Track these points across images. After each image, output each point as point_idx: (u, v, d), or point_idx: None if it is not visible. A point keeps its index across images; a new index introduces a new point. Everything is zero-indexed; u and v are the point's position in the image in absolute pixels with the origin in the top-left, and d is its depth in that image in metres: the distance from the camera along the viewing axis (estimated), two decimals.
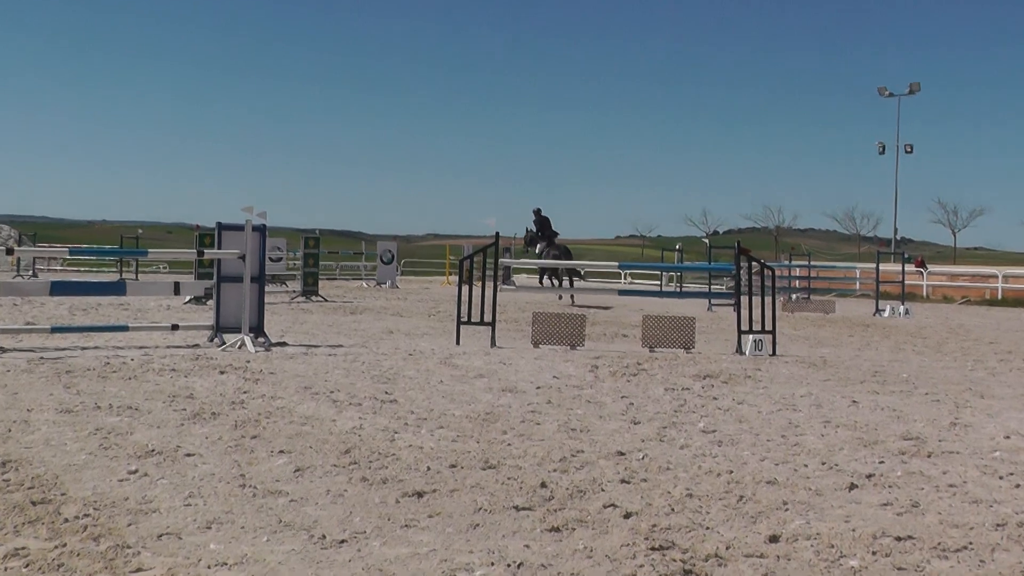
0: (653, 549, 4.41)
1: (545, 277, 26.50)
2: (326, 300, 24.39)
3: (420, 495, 5.27)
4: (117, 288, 16.23)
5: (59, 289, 14.22)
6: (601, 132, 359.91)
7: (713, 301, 25.06)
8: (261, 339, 12.76)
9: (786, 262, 35.44)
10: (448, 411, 8.01)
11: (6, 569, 4.01)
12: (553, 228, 27.21)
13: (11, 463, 5.79)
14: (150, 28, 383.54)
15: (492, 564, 4.18)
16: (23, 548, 4.25)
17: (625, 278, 47.80)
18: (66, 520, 4.67)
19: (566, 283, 26.05)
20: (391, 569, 4.11)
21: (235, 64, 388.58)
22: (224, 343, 12.55)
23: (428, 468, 5.90)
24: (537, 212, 27.24)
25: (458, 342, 13.70)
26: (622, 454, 6.46)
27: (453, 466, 5.97)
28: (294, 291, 26.29)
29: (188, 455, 6.11)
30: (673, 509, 5.12)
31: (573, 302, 25.35)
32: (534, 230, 27.30)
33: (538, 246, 27.25)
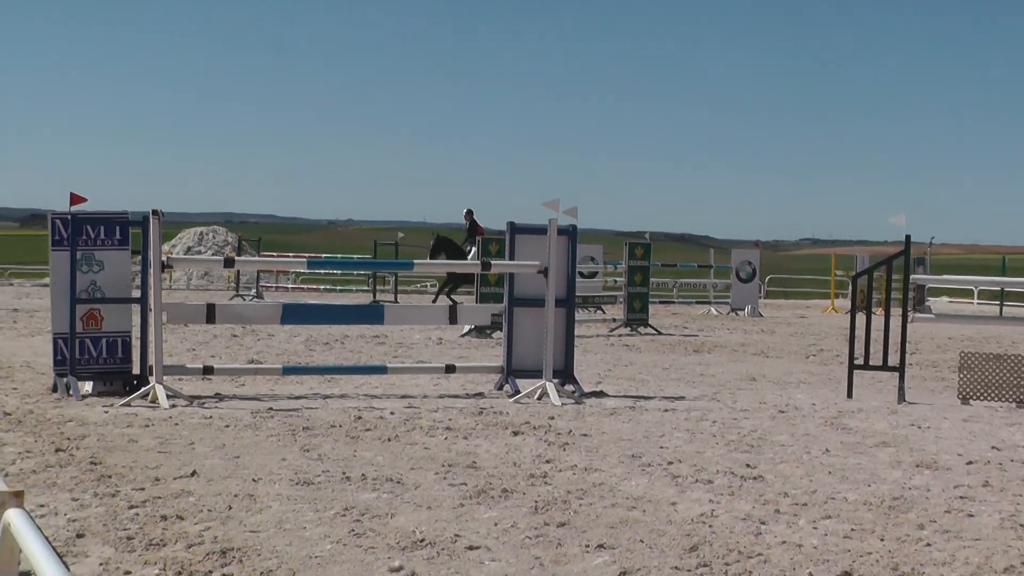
0: None
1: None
2: (659, 332, 24.52)
3: None
4: (372, 314, 16.75)
5: (293, 315, 14.76)
6: None
7: None
8: (570, 387, 12.96)
9: None
10: (838, 494, 7.90)
11: None
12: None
13: (233, 552, 6.12)
14: None
15: None
16: None
17: None
18: None
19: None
20: None
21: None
22: (518, 392, 12.84)
23: (810, 575, 5.83)
24: (469, 214, 30.25)
25: (850, 395, 13.48)
26: None
27: (847, 573, 5.91)
28: (614, 319, 26.55)
29: (471, 548, 6.28)
30: None
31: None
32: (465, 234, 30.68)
33: (474, 250, 30.28)
